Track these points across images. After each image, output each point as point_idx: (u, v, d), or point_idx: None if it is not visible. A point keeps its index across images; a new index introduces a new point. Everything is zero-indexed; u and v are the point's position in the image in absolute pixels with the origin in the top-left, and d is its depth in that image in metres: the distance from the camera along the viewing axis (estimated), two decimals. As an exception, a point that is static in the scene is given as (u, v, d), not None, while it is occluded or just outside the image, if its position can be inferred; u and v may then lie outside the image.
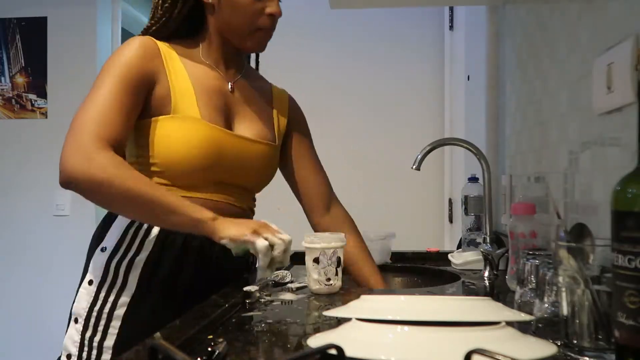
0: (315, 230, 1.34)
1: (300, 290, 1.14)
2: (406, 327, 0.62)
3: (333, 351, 0.54)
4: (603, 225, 0.88)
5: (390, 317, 0.65)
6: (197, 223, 1.02)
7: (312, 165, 1.37)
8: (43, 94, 2.90)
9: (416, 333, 0.61)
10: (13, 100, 2.92)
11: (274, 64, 2.82)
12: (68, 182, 1.01)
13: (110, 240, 1.11)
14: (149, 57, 1.11)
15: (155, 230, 1.10)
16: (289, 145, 1.36)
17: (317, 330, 0.83)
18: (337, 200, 1.39)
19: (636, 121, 0.60)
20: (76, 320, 1.08)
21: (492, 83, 1.76)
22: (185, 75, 1.15)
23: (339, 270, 1.13)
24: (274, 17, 1.19)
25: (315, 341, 0.67)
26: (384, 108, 2.78)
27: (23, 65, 2.91)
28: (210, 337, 0.79)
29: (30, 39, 2.91)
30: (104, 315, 1.07)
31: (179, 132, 1.10)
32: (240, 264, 1.24)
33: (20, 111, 2.92)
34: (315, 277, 1.11)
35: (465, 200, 1.55)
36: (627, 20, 0.87)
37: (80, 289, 1.10)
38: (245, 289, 1.04)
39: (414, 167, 1.40)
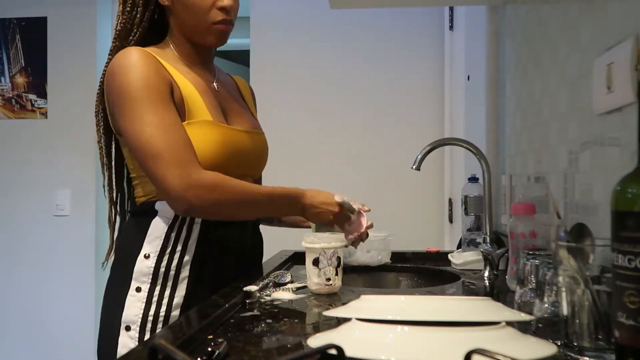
0: None
1: (300, 290, 1.14)
2: (406, 327, 0.62)
3: (333, 351, 0.54)
4: (603, 225, 0.88)
5: (390, 317, 0.65)
6: (295, 207, 1.22)
7: None
8: (43, 94, 2.90)
9: (416, 333, 0.61)
10: (13, 100, 2.92)
11: (274, 63, 2.83)
12: (189, 213, 1.12)
13: (152, 246, 1.13)
14: (159, 69, 1.13)
15: (195, 232, 1.16)
16: None
17: (317, 330, 0.83)
18: None
19: (636, 121, 0.60)
20: (128, 328, 1.10)
21: (492, 83, 1.76)
22: (184, 79, 1.17)
23: (339, 270, 1.13)
24: (226, 9, 1.19)
25: (315, 341, 0.67)
26: (384, 108, 2.78)
27: (23, 65, 2.91)
28: (210, 337, 0.79)
29: (30, 39, 2.91)
30: (161, 319, 1.11)
31: (199, 137, 1.13)
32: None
33: (20, 111, 2.92)
34: (315, 278, 1.11)
35: (465, 200, 1.55)
36: (627, 20, 0.87)
37: (128, 297, 1.11)
38: (245, 289, 1.05)
39: (414, 167, 1.40)
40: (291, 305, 1.03)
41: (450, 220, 2.66)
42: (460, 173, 2.35)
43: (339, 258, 1.13)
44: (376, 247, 1.53)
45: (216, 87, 1.27)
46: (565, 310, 0.67)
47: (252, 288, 1.06)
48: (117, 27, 1.20)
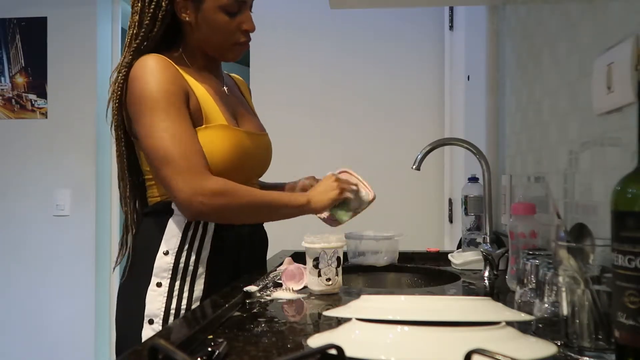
0: None
1: (300, 290, 1.14)
2: (406, 327, 0.62)
3: (333, 351, 0.54)
4: (603, 225, 0.88)
5: (390, 317, 0.65)
6: (300, 210, 1.26)
7: None
8: (43, 94, 2.90)
9: (416, 333, 0.61)
10: (13, 100, 2.92)
11: (274, 64, 2.83)
12: (196, 218, 1.18)
13: (171, 244, 1.18)
14: (177, 76, 1.17)
15: (210, 230, 1.21)
16: None
17: (317, 330, 0.83)
18: None
19: (636, 121, 0.60)
20: (151, 322, 1.15)
21: (492, 83, 1.76)
22: (199, 86, 1.21)
23: (339, 270, 1.13)
24: (249, 32, 1.27)
25: (315, 341, 0.67)
26: (384, 108, 2.78)
27: (23, 65, 2.91)
28: (210, 337, 0.79)
29: (30, 39, 2.90)
30: (182, 311, 1.16)
31: (215, 140, 1.18)
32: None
33: (20, 111, 2.92)
34: (315, 277, 1.11)
35: (465, 200, 1.55)
36: (627, 20, 0.87)
37: (149, 293, 1.16)
38: (245, 289, 1.05)
39: (414, 167, 1.41)
40: (291, 305, 1.03)
41: (450, 220, 2.66)
42: (460, 173, 2.35)
43: (339, 258, 1.13)
44: (381, 247, 1.53)
45: (226, 91, 1.32)
46: (565, 310, 0.67)
47: (252, 288, 1.06)
48: (132, 40, 1.20)
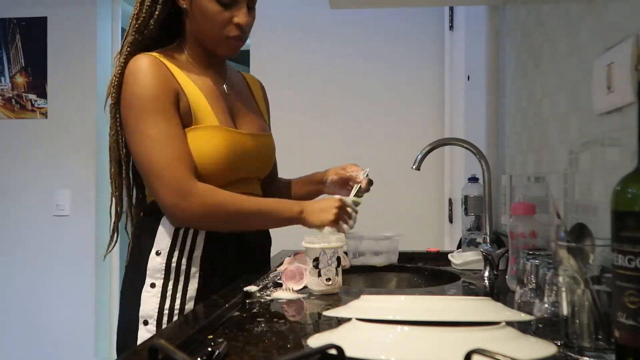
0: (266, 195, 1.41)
1: (300, 290, 1.14)
2: (406, 327, 0.62)
3: (333, 351, 0.54)
4: (603, 225, 0.88)
5: (390, 317, 0.65)
6: (290, 221, 1.23)
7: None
8: (43, 94, 2.90)
9: (416, 333, 0.61)
10: (13, 100, 2.92)
11: (274, 64, 2.83)
12: (182, 226, 1.18)
13: (163, 243, 1.18)
14: (167, 78, 1.17)
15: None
16: None
17: (317, 330, 0.83)
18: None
19: (636, 121, 0.60)
20: (146, 323, 1.15)
21: (492, 83, 1.76)
22: (191, 84, 1.21)
23: (339, 270, 1.13)
24: (242, 27, 1.22)
25: (315, 341, 0.67)
26: (384, 108, 2.78)
27: (23, 65, 2.91)
28: (210, 337, 0.79)
29: (30, 39, 2.90)
30: (176, 312, 1.16)
31: (205, 142, 1.18)
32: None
33: (20, 111, 2.92)
34: (315, 277, 1.11)
35: (465, 200, 1.55)
36: (627, 20, 0.87)
37: (143, 293, 1.16)
38: (245, 289, 1.05)
39: (414, 167, 1.41)
40: (291, 305, 1.03)
41: (450, 220, 2.66)
42: (460, 173, 2.35)
43: (339, 258, 1.13)
44: (381, 247, 1.53)
45: (226, 89, 1.30)
46: (565, 310, 0.67)
47: (252, 288, 1.06)
48: (135, 21, 1.21)
